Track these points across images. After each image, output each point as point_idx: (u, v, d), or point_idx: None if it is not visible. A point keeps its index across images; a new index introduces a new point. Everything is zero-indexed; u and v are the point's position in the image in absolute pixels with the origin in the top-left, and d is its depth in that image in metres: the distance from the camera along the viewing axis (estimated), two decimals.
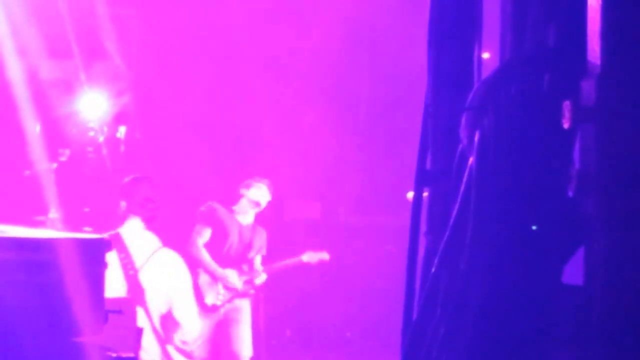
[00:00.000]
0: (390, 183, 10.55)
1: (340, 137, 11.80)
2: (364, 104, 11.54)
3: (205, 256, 7.98)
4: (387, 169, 10.75)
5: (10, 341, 3.47)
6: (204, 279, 8.00)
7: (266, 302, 10.29)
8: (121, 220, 5.92)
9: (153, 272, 5.76)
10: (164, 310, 5.78)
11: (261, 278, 8.24)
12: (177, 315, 5.80)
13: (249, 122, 10.73)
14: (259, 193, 8.06)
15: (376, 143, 11.03)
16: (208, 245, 8.01)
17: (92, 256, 3.74)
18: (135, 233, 5.85)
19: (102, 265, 3.78)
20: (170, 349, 5.75)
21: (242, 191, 8.09)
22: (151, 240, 5.87)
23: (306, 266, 8.85)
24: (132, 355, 4.06)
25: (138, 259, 5.76)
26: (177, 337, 5.79)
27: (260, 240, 8.22)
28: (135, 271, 5.71)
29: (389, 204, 10.64)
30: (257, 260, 8.31)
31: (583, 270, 3.19)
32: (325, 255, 8.73)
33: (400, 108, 10.01)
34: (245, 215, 8.09)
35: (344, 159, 11.94)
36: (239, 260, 8.14)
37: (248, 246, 8.13)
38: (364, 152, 11.44)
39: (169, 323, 5.83)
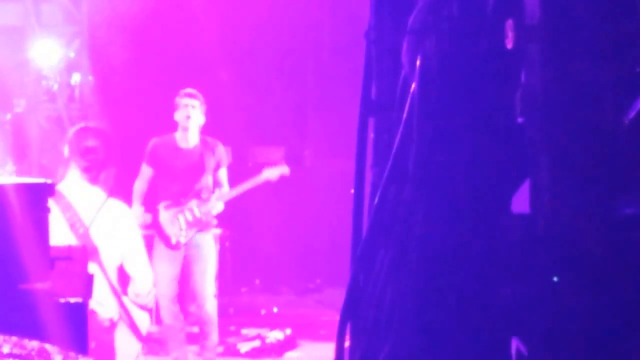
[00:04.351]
0: (355, 125, 10.42)
1: (303, 79, 11.65)
2: (327, 43, 11.37)
3: (135, 198, 7.86)
4: (352, 111, 10.62)
5: None
6: (164, 216, 7.87)
7: (233, 251, 10.21)
8: (63, 171, 5.68)
9: (103, 227, 5.54)
10: (118, 263, 5.64)
11: (217, 208, 8.01)
12: (128, 268, 5.67)
13: (207, 62, 10.55)
14: (183, 113, 7.77)
15: (340, 84, 10.89)
16: (160, 183, 7.90)
17: (34, 201, 3.65)
18: (78, 187, 5.61)
19: (44, 209, 3.70)
20: (126, 301, 5.65)
21: (175, 116, 7.88)
22: (97, 192, 5.64)
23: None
24: (80, 300, 3.97)
25: (86, 215, 5.52)
26: (131, 290, 5.69)
27: (216, 154, 7.94)
28: (86, 229, 5.48)
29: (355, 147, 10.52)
30: (223, 175, 8.04)
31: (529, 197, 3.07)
32: (285, 169, 8.37)
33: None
34: (185, 139, 7.86)
35: (307, 102, 11.81)
36: (194, 187, 7.93)
37: (200, 168, 7.89)
38: (328, 94, 11.32)
39: (123, 276, 5.72)
